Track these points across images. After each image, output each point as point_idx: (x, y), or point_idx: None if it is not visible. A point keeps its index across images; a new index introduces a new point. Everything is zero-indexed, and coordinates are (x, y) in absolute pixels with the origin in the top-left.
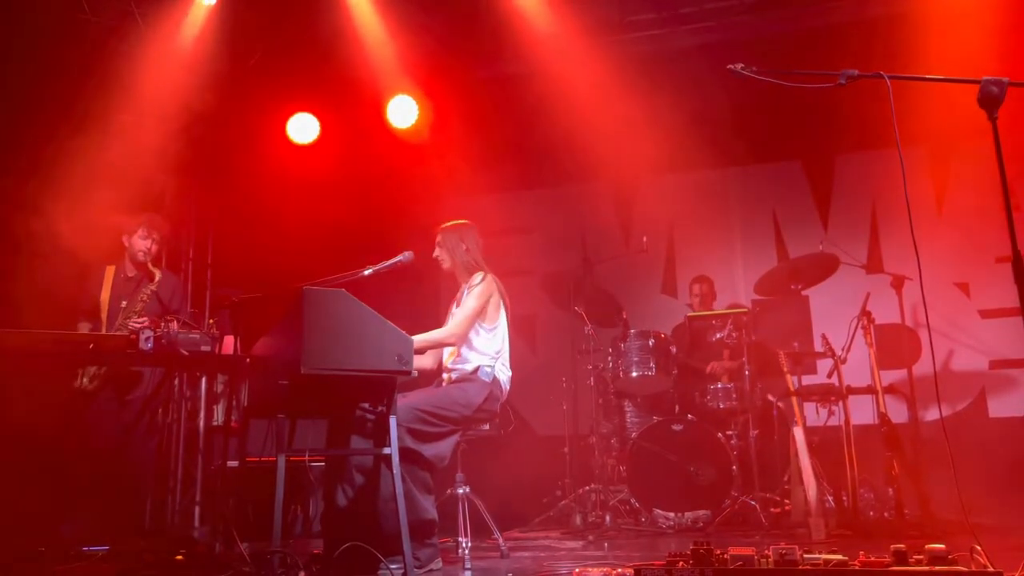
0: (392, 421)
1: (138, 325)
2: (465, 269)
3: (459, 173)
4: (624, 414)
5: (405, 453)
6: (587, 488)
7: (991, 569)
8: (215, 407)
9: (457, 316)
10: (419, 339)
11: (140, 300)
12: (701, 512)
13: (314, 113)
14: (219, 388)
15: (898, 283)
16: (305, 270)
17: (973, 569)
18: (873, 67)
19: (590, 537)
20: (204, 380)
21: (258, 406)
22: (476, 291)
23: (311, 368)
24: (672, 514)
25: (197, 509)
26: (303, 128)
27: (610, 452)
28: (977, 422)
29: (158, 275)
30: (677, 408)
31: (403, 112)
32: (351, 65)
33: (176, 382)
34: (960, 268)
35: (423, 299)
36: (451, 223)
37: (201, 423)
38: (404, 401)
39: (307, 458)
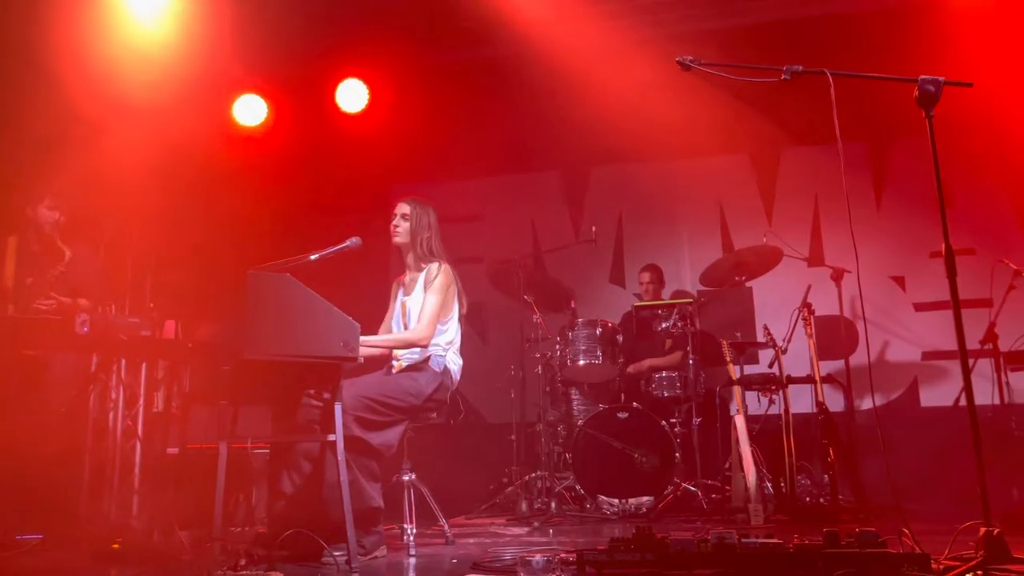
0: (337, 408)
1: (44, 307)
2: (423, 252)
3: (409, 159)
4: (571, 402)
5: (351, 441)
6: (533, 475)
7: (918, 551)
8: (155, 394)
9: (424, 316)
10: (387, 340)
11: (48, 279)
12: (644, 498)
13: (262, 95)
14: (160, 374)
15: (838, 276)
16: (250, 254)
17: (901, 552)
18: (819, 64)
19: (535, 523)
20: (145, 366)
21: (200, 392)
22: (437, 285)
23: (255, 354)
24: (616, 500)
25: (136, 498)
26: (250, 110)
27: (556, 439)
28: (909, 411)
29: (68, 253)
30: (623, 396)
31: (353, 96)
32: (301, 47)
33: (115, 368)
34: (897, 262)
35: (371, 285)
36: (420, 197)
37: (141, 410)
38: (352, 389)
39: (250, 445)
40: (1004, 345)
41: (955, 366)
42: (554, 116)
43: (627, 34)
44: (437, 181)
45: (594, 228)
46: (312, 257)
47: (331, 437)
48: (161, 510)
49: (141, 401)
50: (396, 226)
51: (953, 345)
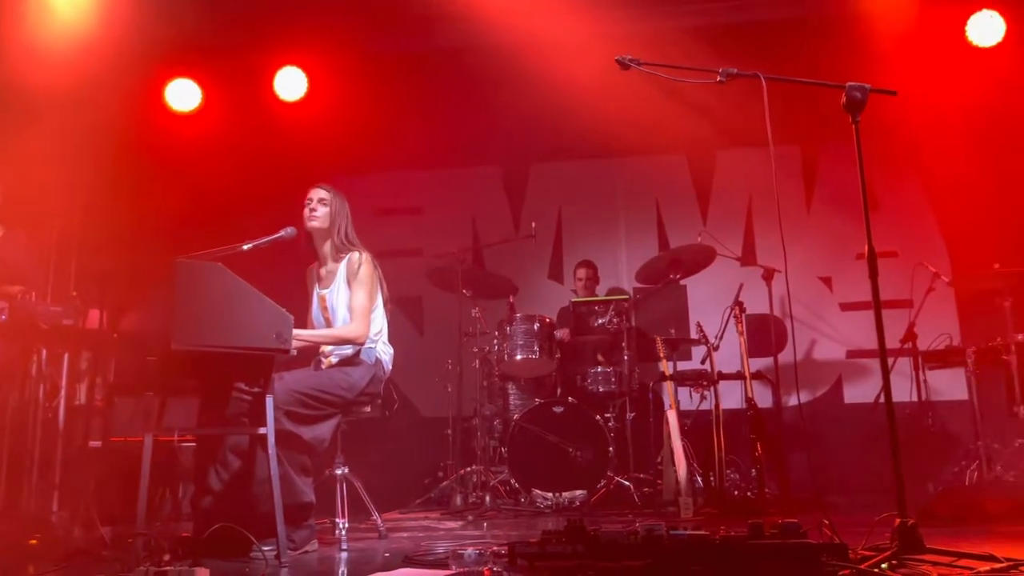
0: (269, 401)
1: None
2: (340, 240)
3: (349, 150)
4: (508, 396)
5: (283, 435)
6: (468, 469)
7: (837, 542)
8: (78, 385)
9: (356, 312)
10: (323, 335)
11: None
12: (578, 492)
13: (195, 79)
14: (83, 365)
15: (768, 275)
16: (181, 243)
17: (821, 542)
18: (755, 67)
19: (469, 517)
20: (67, 356)
21: (125, 383)
22: (362, 278)
23: (182, 344)
24: (550, 494)
25: (56, 493)
26: (183, 95)
27: (493, 434)
28: (833, 407)
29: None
30: (559, 391)
31: (291, 84)
32: (238, 32)
33: (35, 358)
34: (825, 263)
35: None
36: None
37: (62, 402)
38: (283, 382)
39: (176, 438)
40: (922, 344)
41: (877, 364)
42: (496, 111)
43: (569, 32)
44: (377, 172)
45: (534, 224)
46: (245, 247)
47: (261, 431)
48: (82, 505)
49: (63, 393)
50: (314, 210)
51: (876, 344)
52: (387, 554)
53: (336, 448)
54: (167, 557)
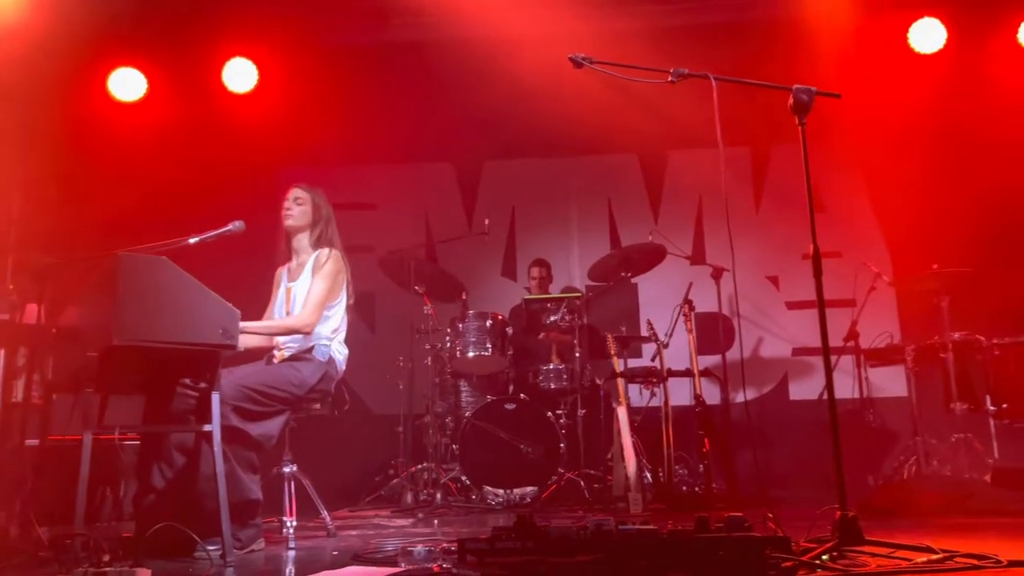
0: (215, 397)
1: None
2: (314, 239)
3: (300, 143)
4: (460, 393)
5: (229, 432)
6: (420, 467)
7: (780, 535)
8: (15, 383)
9: (310, 302)
10: (268, 325)
11: None
12: (529, 488)
13: (139, 68)
14: (21, 362)
15: (717, 274)
16: (124, 236)
17: (765, 535)
18: (706, 69)
19: (420, 515)
20: (3, 353)
21: (63, 380)
22: (326, 271)
23: (125, 339)
24: (502, 491)
25: None
26: (127, 84)
27: (444, 431)
28: (779, 404)
29: None
30: (511, 388)
31: (241, 75)
32: (185, 20)
33: None
34: (772, 263)
35: (256, 272)
36: (314, 186)
37: None
38: (231, 378)
39: (117, 436)
40: (864, 343)
41: (821, 362)
42: (450, 107)
43: (523, 29)
44: (329, 167)
45: (487, 221)
46: (191, 240)
47: (207, 427)
48: (19, 505)
49: None
50: (288, 209)
51: (820, 342)
52: (335, 552)
53: (284, 445)
54: (107, 558)
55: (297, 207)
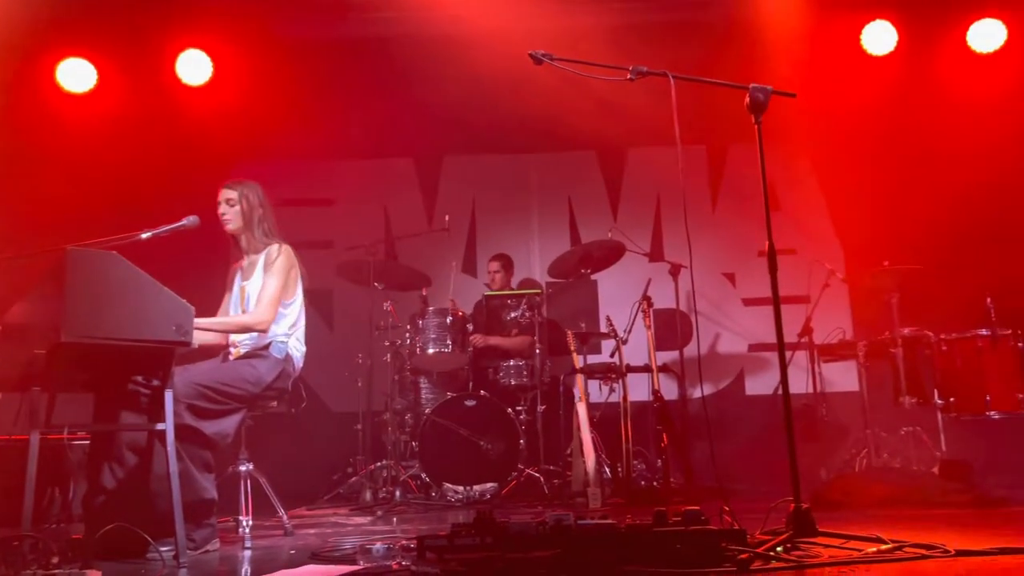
0: (168, 395)
1: None
2: (259, 236)
3: (256, 137)
4: (419, 390)
5: (183, 430)
6: (379, 464)
7: (736, 528)
8: None
9: (264, 299)
10: (222, 323)
11: None
12: (489, 485)
13: (89, 58)
14: None
15: (675, 271)
16: (74, 230)
17: (721, 528)
18: (664, 67)
19: (379, 512)
20: None
21: (10, 378)
22: (278, 267)
23: (73, 336)
24: (461, 488)
25: None
26: (76, 75)
27: (404, 428)
28: (735, 399)
29: None
30: (471, 385)
31: (195, 67)
32: (135, 10)
33: None
34: (728, 260)
35: (213, 268)
36: (241, 179)
37: None
38: (185, 375)
39: (66, 435)
40: (818, 338)
41: (776, 357)
42: (409, 102)
43: (483, 25)
44: (286, 162)
45: (447, 217)
46: (143, 235)
47: (160, 426)
48: None
49: None
50: (223, 214)
51: (775, 338)
52: (293, 551)
53: (240, 443)
54: (56, 560)
55: (231, 209)
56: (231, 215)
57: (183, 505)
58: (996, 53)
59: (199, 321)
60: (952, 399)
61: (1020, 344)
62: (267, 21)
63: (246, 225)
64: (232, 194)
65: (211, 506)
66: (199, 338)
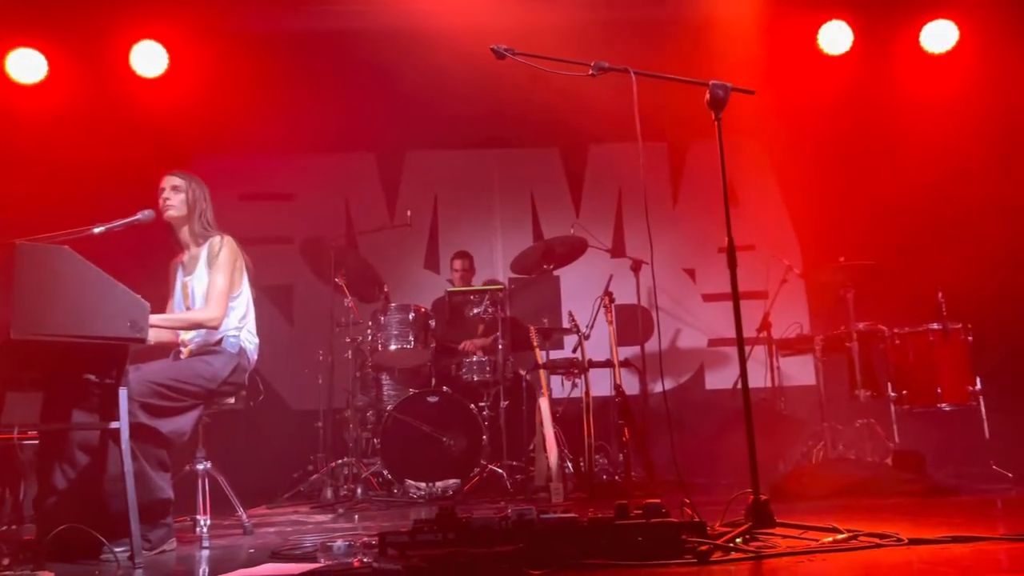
0: (122, 394)
1: None
2: (199, 228)
3: (215, 130)
4: (381, 387)
5: (138, 429)
6: (340, 462)
7: (696, 520)
8: None
9: (213, 295)
10: (174, 319)
11: None
12: (452, 481)
13: (39, 48)
14: None
15: (637, 267)
16: (25, 224)
17: (681, 520)
18: (625, 64)
19: (340, 510)
20: None
21: None
22: (223, 261)
23: (23, 333)
24: (424, 484)
25: None
26: (25, 65)
27: (365, 425)
28: (696, 393)
29: None
30: (434, 381)
31: (150, 59)
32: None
33: None
34: (689, 256)
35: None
36: (185, 171)
37: None
38: (138, 373)
39: (16, 435)
40: (776, 333)
41: (736, 352)
42: (370, 96)
43: (446, 19)
44: (245, 155)
45: (409, 212)
46: (96, 230)
47: (114, 425)
48: None
49: None
50: (167, 199)
51: (734, 333)
52: (252, 550)
53: (197, 441)
54: (6, 561)
55: (176, 195)
56: (176, 202)
57: (138, 505)
58: (948, 54)
59: (151, 318)
60: (905, 392)
61: (970, 338)
62: (225, 12)
63: (189, 215)
64: (179, 181)
65: (167, 505)
66: (154, 335)
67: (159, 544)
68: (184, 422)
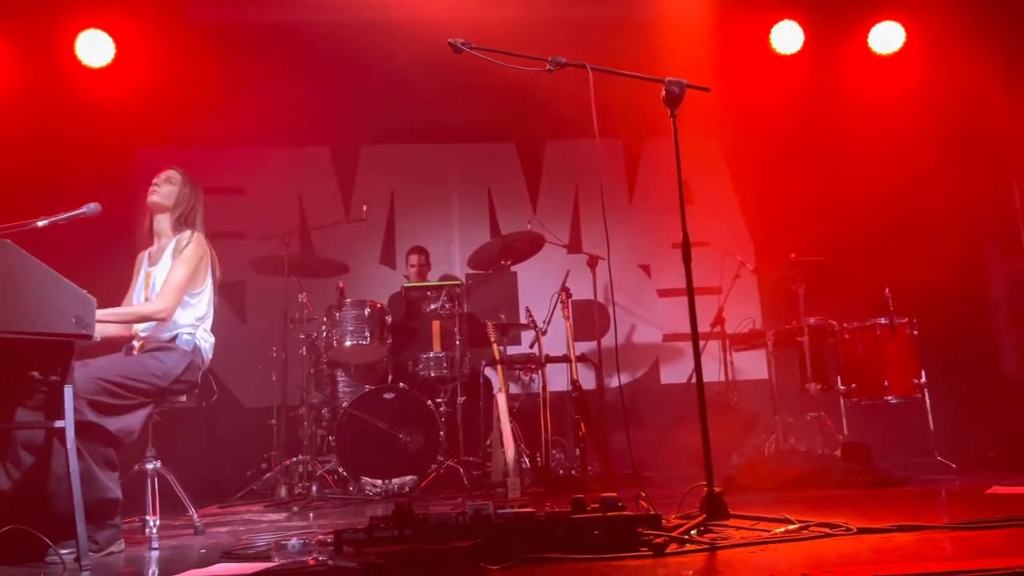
0: (68, 391)
1: None
2: (176, 222)
3: (163, 122)
4: (336, 384)
5: (85, 427)
6: (294, 459)
7: (652, 512)
8: None
9: (167, 287)
10: (120, 313)
11: None
12: (408, 478)
13: None
14: None
15: (593, 263)
16: None
17: (637, 513)
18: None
19: (295, 508)
20: None
21: None
22: (187, 254)
23: None
24: (380, 481)
25: None
26: None
27: (320, 422)
28: (651, 387)
29: None
30: (390, 377)
31: (96, 48)
32: None
33: None
34: (644, 252)
35: (115, 257)
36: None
37: None
38: (86, 370)
39: None
40: (730, 328)
41: (690, 347)
42: (325, 89)
43: (403, 12)
44: (194, 148)
45: (365, 207)
46: (40, 223)
47: (59, 423)
48: None
49: None
50: (156, 185)
51: (689, 328)
52: (203, 550)
53: (147, 440)
54: None
55: (166, 186)
56: (163, 191)
57: (85, 505)
58: (896, 55)
59: (98, 313)
60: (854, 385)
61: (915, 332)
62: (173, 2)
63: (173, 208)
64: (176, 175)
65: (115, 506)
66: (101, 331)
67: (107, 545)
68: (133, 420)
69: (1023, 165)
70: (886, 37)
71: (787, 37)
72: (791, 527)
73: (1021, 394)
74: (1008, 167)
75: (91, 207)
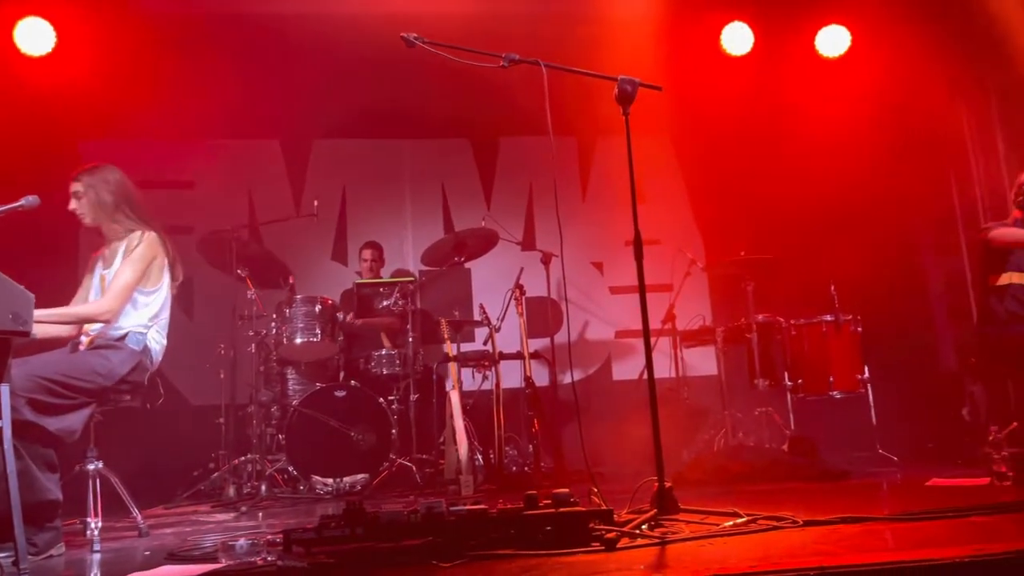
0: (4, 390)
1: None
2: (121, 222)
3: (108, 113)
4: (286, 382)
5: (23, 427)
6: (243, 459)
7: (604, 508)
8: None
9: (112, 288)
10: (60, 313)
11: None
12: (360, 476)
13: None
14: None
15: (547, 260)
16: None
17: (589, 509)
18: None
19: (243, 508)
20: None
21: None
22: (136, 255)
23: None
24: (331, 480)
25: None
26: None
27: (270, 421)
28: (603, 384)
29: None
30: (342, 375)
31: (35, 36)
32: None
33: None
34: (597, 249)
35: (56, 253)
36: (90, 166)
37: None
38: (25, 368)
39: None
40: (680, 325)
41: (642, 343)
42: (276, 82)
43: (353, 4)
44: (140, 140)
45: (316, 202)
46: None
47: None
48: None
49: None
50: (74, 209)
51: (640, 325)
52: (147, 552)
53: (89, 440)
54: None
55: (79, 203)
56: (82, 209)
57: (23, 507)
58: (842, 58)
59: (36, 313)
60: (800, 380)
61: (859, 328)
62: None
63: (103, 215)
64: (78, 187)
65: (55, 507)
66: (46, 331)
67: (46, 548)
68: (74, 420)
69: (961, 166)
70: (832, 40)
71: (737, 38)
72: (740, 520)
73: (959, 388)
74: (947, 168)
75: (29, 200)
